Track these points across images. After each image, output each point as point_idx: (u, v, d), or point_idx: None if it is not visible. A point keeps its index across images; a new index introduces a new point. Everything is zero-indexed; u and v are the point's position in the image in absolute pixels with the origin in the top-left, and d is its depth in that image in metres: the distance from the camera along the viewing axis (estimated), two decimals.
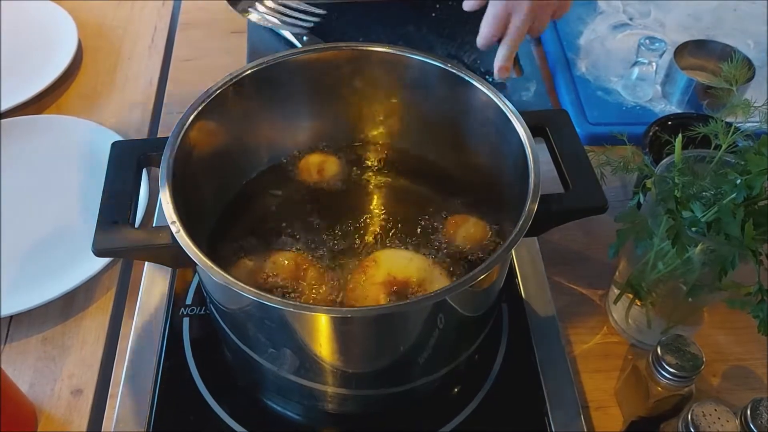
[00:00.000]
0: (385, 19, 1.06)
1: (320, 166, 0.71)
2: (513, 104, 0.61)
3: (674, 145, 0.63)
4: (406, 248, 0.64)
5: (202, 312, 0.69)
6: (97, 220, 0.53)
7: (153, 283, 0.71)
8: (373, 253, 0.62)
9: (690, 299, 0.65)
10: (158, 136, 0.91)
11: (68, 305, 0.73)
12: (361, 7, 1.08)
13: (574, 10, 1.05)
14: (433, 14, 1.07)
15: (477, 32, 1.04)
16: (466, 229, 0.64)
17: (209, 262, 0.49)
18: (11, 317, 0.72)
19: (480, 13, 1.07)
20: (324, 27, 1.03)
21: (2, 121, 0.88)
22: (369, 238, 0.66)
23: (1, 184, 0.83)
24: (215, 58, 1.01)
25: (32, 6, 1.05)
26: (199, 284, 0.71)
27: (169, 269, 0.71)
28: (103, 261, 0.73)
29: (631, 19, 1.05)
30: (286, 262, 0.61)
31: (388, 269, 0.59)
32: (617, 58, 0.99)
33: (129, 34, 1.05)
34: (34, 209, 0.81)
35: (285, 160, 0.72)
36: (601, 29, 1.03)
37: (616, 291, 0.70)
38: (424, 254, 0.63)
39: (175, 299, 0.70)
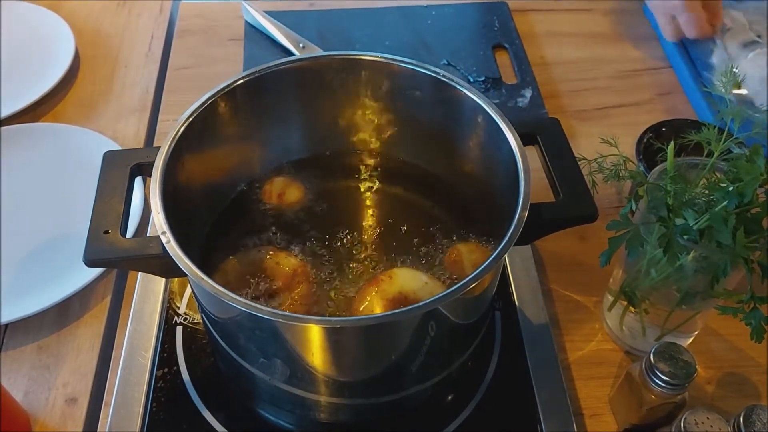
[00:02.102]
0: (381, 26, 1.06)
1: (282, 191, 0.70)
2: (508, 110, 0.61)
3: (667, 152, 0.63)
4: (425, 270, 0.64)
5: (195, 321, 0.69)
6: (89, 231, 0.53)
7: (147, 292, 0.71)
8: (391, 269, 0.62)
9: (683, 306, 0.65)
10: (155, 144, 0.91)
11: (63, 313, 0.73)
12: (358, 14, 1.08)
13: None
14: (429, 21, 1.07)
15: (472, 39, 1.04)
16: (469, 257, 0.64)
17: (200, 273, 0.49)
18: (6, 325, 0.72)
19: (475, 21, 1.08)
20: (321, 34, 1.04)
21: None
22: (362, 252, 0.66)
23: None
24: (212, 66, 1.01)
25: (29, 14, 1.06)
26: (192, 293, 0.71)
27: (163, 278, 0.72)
28: (99, 270, 0.73)
29: (759, 36, 1.01)
30: (287, 268, 0.62)
31: (401, 287, 0.59)
32: (752, 76, 0.95)
33: (126, 42, 1.05)
34: (29, 217, 0.82)
35: (277, 168, 0.72)
36: (732, 48, 1.00)
37: (611, 298, 0.70)
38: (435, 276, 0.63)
39: (168, 308, 0.70)
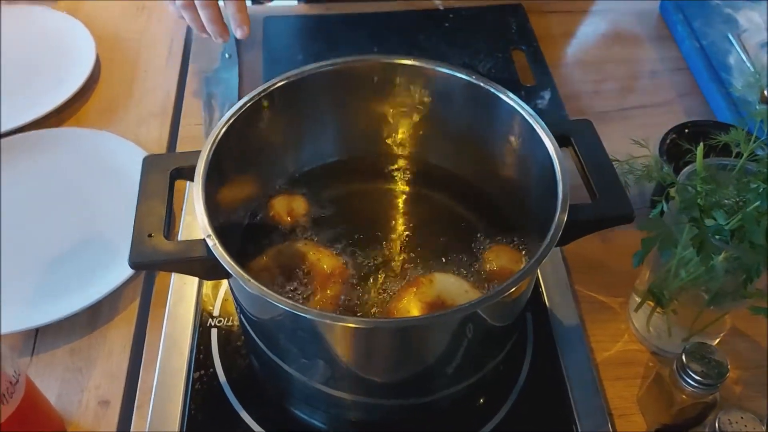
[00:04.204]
0: (399, 30, 1.07)
1: (289, 207, 0.70)
2: None
3: (694, 153, 0.63)
4: (463, 276, 0.64)
5: (229, 322, 0.69)
6: (133, 234, 0.54)
7: (180, 294, 0.71)
8: (432, 273, 0.63)
9: (712, 307, 0.65)
10: (177, 147, 0.92)
11: (94, 317, 0.74)
12: (375, 17, 1.09)
13: (717, 27, 1.03)
14: (446, 24, 1.08)
15: (489, 42, 1.05)
16: (499, 260, 0.65)
17: (246, 275, 0.49)
18: (38, 329, 0.72)
19: (492, 24, 1.08)
20: (339, 37, 1.04)
21: (24, 134, 0.89)
22: (395, 254, 0.67)
23: (24, 197, 0.84)
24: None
25: (50, 19, 1.06)
26: (225, 295, 0.71)
27: (196, 281, 0.72)
28: (127, 273, 0.74)
29: None
30: (325, 266, 0.62)
31: (439, 292, 0.60)
32: None
33: (146, 46, 1.06)
34: (56, 221, 0.82)
35: (312, 172, 0.73)
36: (750, 48, 1.00)
37: (637, 299, 0.71)
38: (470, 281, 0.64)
39: (202, 310, 0.71)
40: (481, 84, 0.63)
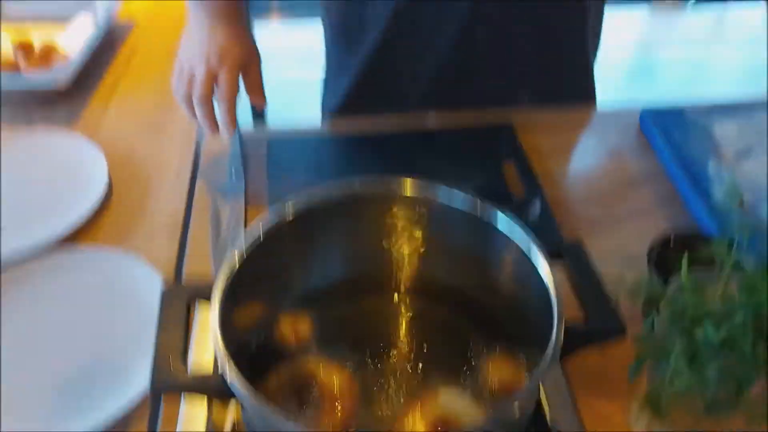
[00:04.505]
0: (397, 150, 1.13)
1: (295, 327, 0.72)
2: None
3: (680, 265, 0.67)
4: (467, 390, 0.66)
5: None
6: (154, 362, 0.56)
7: (191, 417, 0.72)
8: (438, 389, 0.65)
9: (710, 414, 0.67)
10: (185, 263, 0.95)
11: None
12: (373, 139, 1.15)
13: (693, 143, 1.09)
14: (440, 144, 1.14)
15: (481, 158, 1.11)
16: (500, 372, 0.67)
17: (266, 404, 0.52)
18: None
19: (483, 143, 1.14)
20: (339, 159, 1.10)
21: (36, 259, 0.92)
22: (401, 372, 0.69)
23: (35, 321, 0.86)
24: None
25: (64, 143, 1.12)
26: (235, 417, 0.73)
27: (205, 401, 0.74)
28: (138, 394, 0.74)
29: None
30: (331, 384, 0.64)
31: (444, 409, 0.62)
32: (751, 183, 1.00)
33: (155, 165, 1.11)
34: (64, 344, 0.83)
35: (318, 291, 0.76)
36: (726, 158, 1.05)
37: (637, 407, 0.73)
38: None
39: (213, 423, 0.71)
40: (477, 214, 0.68)
